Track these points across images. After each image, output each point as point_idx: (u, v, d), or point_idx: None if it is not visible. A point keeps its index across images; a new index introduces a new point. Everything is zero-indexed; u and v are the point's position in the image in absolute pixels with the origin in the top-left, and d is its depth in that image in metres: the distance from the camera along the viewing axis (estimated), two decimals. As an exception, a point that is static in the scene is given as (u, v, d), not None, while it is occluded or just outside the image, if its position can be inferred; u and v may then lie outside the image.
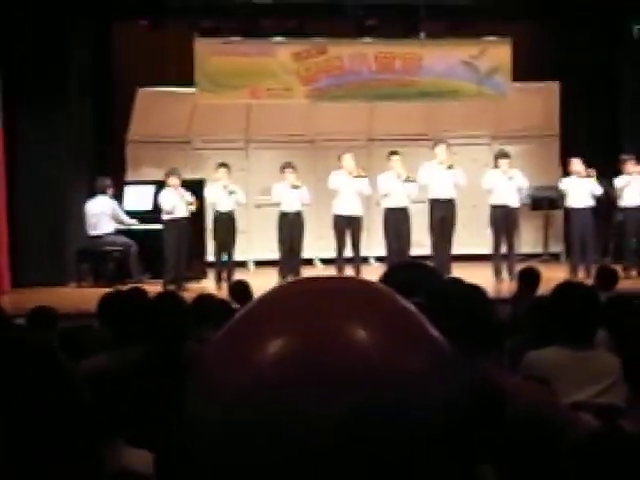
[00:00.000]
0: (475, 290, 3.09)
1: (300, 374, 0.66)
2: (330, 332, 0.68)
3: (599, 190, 12.45)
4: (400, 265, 4.35)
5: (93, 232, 12.78)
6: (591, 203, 12.50)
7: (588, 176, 12.40)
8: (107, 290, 6.37)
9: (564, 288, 4.25)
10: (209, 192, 12.75)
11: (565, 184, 12.77)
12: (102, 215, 12.78)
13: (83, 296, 10.79)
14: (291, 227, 12.36)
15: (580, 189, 12.46)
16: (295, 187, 12.33)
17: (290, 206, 12.37)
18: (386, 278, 3.01)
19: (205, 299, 6.28)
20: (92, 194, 13.03)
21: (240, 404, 0.66)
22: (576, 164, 12.61)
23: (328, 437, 0.64)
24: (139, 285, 7.84)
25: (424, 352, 0.70)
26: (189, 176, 13.33)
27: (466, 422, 0.70)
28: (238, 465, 0.66)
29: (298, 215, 12.42)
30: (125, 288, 6.76)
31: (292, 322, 0.70)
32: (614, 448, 1.81)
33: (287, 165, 12.57)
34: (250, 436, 0.66)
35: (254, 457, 0.66)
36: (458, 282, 3.28)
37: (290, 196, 12.35)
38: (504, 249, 12.59)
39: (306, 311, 0.70)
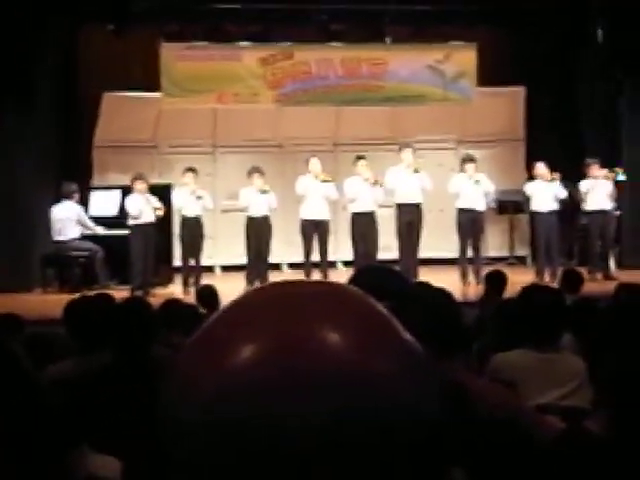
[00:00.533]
0: (442, 293, 3.11)
1: (274, 378, 0.67)
2: (303, 336, 0.69)
3: (564, 193, 12.53)
4: (367, 269, 4.35)
5: (58, 237, 12.68)
6: (556, 207, 12.58)
7: (552, 179, 12.49)
8: (73, 296, 6.33)
9: (531, 291, 4.27)
10: (176, 197, 12.70)
11: (530, 188, 12.85)
12: (68, 220, 12.69)
13: (48, 302, 10.71)
14: (259, 232, 12.34)
15: (545, 193, 12.53)
16: (264, 192, 12.32)
17: (258, 211, 12.36)
18: (353, 282, 3.01)
19: (172, 304, 6.25)
20: (58, 199, 12.94)
21: (217, 405, 0.68)
22: (540, 168, 12.69)
23: (303, 440, 0.66)
24: (106, 291, 7.80)
25: (396, 354, 0.71)
26: (156, 181, 13.28)
27: (438, 424, 0.71)
28: (215, 465, 0.67)
29: (266, 220, 12.41)
30: (91, 294, 6.71)
31: (266, 326, 0.71)
32: (580, 449, 1.82)
33: (255, 170, 12.54)
34: (227, 437, 0.67)
35: (231, 457, 0.67)
36: (425, 285, 3.30)
37: (258, 201, 12.34)
38: (470, 253, 12.65)
39: (279, 315, 0.71)
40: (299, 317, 0.71)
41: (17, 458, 1.26)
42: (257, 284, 12.20)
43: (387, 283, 2.82)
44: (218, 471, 0.66)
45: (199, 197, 12.48)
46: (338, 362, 0.68)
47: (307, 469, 0.65)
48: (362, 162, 12.54)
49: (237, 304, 0.75)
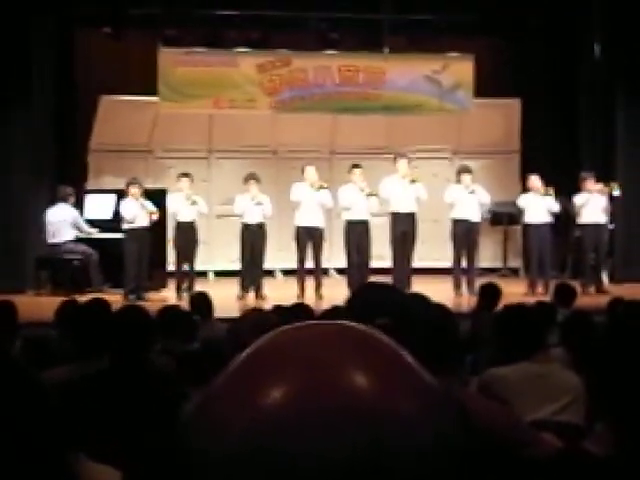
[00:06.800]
0: (440, 309, 3.12)
1: (303, 417, 0.70)
2: (329, 377, 0.72)
3: (556, 207, 12.53)
4: (365, 286, 4.38)
5: (52, 240, 12.66)
6: (549, 219, 12.59)
7: (547, 194, 12.49)
8: (66, 299, 6.32)
9: (508, 315, 4.35)
10: (171, 202, 12.69)
11: (523, 200, 12.85)
12: (63, 223, 12.68)
13: (41, 304, 10.69)
14: (253, 239, 12.35)
15: (538, 205, 12.54)
16: (258, 204, 12.32)
17: (253, 218, 12.36)
18: (352, 299, 3.02)
19: (169, 311, 6.24)
20: (53, 202, 12.93)
21: (248, 440, 0.70)
22: (534, 180, 12.72)
23: (333, 476, 0.68)
24: (100, 295, 7.80)
25: (416, 392, 0.74)
26: (151, 186, 13.27)
27: (459, 455, 0.74)
28: None
29: (260, 227, 12.42)
30: (85, 297, 6.71)
31: (293, 368, 0.74)
32: (580, 471, 1.83)
33: (251, 176, 12.55)
34: (257, 472, 0.69)
35: None
36: (423, 300, 3.30)
37: (253, 208, 12.34)
38: (464, 263, 12.64)
39: (303, 358, 0.75)
40: (321, 360, 0.74)
41: (18, 462, 1.27)
42: (251, 291, 12.24)
43: (385, 300, 2.83)
44: None
45: (194, 202, 12.48)
46: (359, 403, 0.71)
47: None
48: (357, 171, 12.53)
49: (264, 345, 0.78)
